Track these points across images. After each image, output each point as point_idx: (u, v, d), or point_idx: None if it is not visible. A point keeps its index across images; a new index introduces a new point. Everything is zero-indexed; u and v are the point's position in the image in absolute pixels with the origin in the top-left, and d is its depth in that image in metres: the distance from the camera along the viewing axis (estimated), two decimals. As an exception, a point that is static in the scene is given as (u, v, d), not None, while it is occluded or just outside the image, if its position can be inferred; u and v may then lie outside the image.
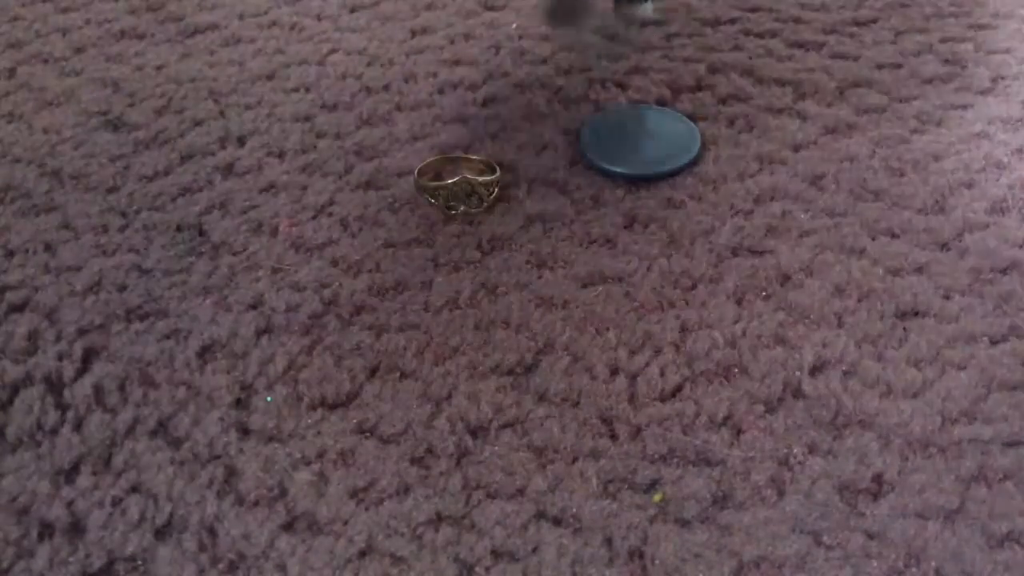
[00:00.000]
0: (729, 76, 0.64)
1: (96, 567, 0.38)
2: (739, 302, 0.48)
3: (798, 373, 0.44)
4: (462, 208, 0.53)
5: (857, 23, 0.70)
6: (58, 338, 0.47)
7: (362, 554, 0.38)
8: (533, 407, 0.43)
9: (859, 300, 0.47)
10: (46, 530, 0.39)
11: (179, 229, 0.53)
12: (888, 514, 0.38)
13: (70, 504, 0.40)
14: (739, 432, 0.42)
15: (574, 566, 0.37)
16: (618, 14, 0.63)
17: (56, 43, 0.71)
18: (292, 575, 0.37)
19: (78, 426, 0.43)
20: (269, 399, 0.44)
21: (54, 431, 0.43)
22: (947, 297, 0.47)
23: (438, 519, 0.39)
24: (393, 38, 0.71)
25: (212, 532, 0.39)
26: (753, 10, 0.73)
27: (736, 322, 0.46)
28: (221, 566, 0.38)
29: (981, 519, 0.38)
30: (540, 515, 0.39)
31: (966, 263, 0.49)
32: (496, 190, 0.54)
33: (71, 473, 0.41)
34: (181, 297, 0.49)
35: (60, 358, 0.46)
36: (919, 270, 0.49)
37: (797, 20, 0.71)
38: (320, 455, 0.41)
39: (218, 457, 0.41)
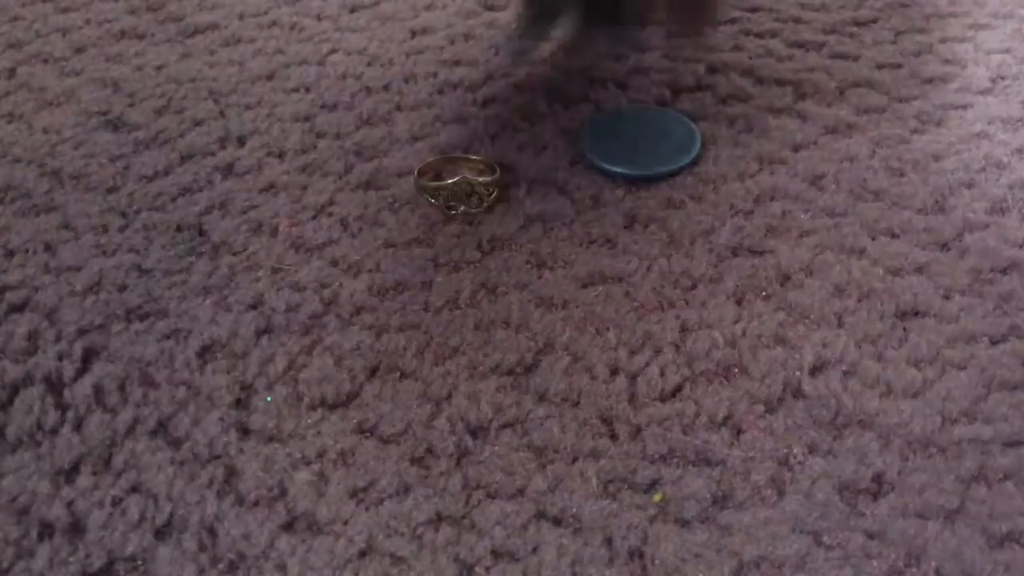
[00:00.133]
0: (729, 76, 0.64)
1: (96, 567, 0.38)
2: (739, 302, 0.48)
3: (798, 373, 0.44)
4: (462, 208, 0.53)
5: (857, 23, 0.70)
6: (58, 338, 0.47)
7: (362, 554, 0.38)
8: (533, 407, 0.43)
9: (859, 300, 0.47)
10: (46, 530, 0.39)
11: (179, 229, 0.53)
12: (888, 514, 0.38)
13: (70, 504, 0.40)
14: (739, 432, 0.42)
15: (574, 566, 0.37)
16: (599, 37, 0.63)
17: (56, 43, 0.71)
18: (292, 575, 0.37)
19: (78, 426, 0.43)
20: (269, 399, 0.44)
21: (54, 431, 0.43)
22: (947, 297, 0.47)
23: (438, 519, 0.39)
24: (393, 38, 0.71)
25: (212, 532, 0.39)
26: (753, 10, 0.73)
27: (736, 322, 0.46)
28: (221, 566, 0.38)
29: (981, 519, 0.38)
30: (540, 515, 0.39)
31: (966, 263, 0.49)
32: (496, 190, 0.54)
33: (71, 473, 0.41)
34: (181, 297, 0.49)
35: (60, 358, 0.46)
36: (919, 270, 0.49)
37: (797, 20, 0.71)
38: (320, 455, 0.41)
39: (218, 457, 0.41)
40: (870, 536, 0.37)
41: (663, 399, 0.43)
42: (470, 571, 0.37)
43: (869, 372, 0.44)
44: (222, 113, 0.63)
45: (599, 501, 0.39)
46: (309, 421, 0.43)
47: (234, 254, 0.52)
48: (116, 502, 0.40)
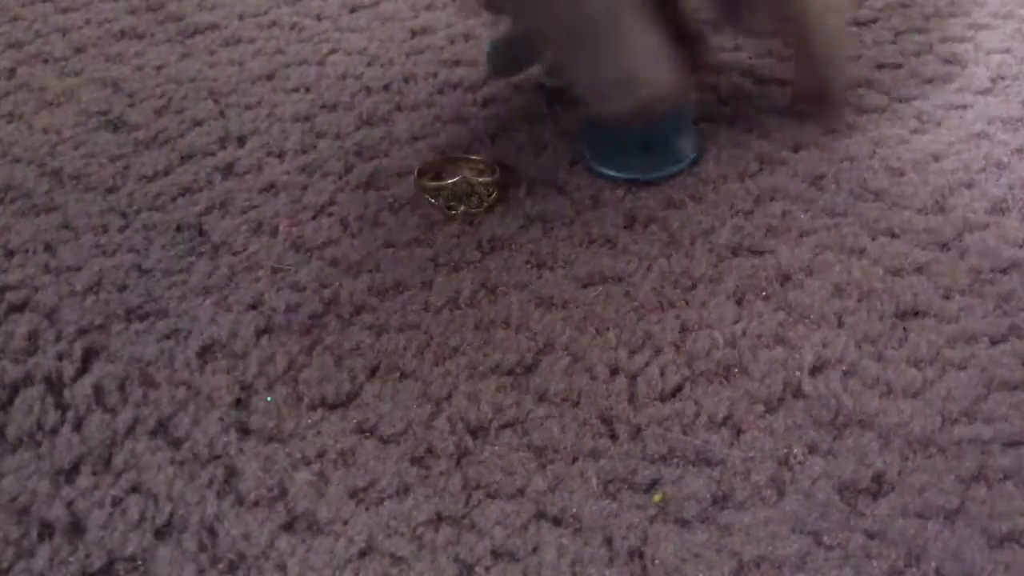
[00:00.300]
0: (729, 76, 0.64)
1: (96, 567, 0.38)
2: (739, 302, 0.48)
3: (798, 373, 0.44)
4: (462, 208, 0.53)
5: (857, 23, 0.70)
6: (58, 338, 0.47)
7: (362, 554, 0.38)
8: (533, 407, 0.43)
9: (859, 300, 0.47)
10: (46, 530, 0.39)
11: (179, 229, 0.54)
12: (888, 514, 0.38)
13: (70, 504, 0.40)
14: (739, 432, 0.42)
15: (574, 566, 0.37)
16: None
17: (56, 43, 0.71)
18: (292, 575, 0.37)
19: (78, 426, 0.43)
20: (269, 399, 0.44)
21: (54, 431, 0.43)
22: (947, 297, 0.47)
23: (438, 519, 0.39)
24: (393, 38, 0.71)
25: (212, 532, 0.39)
26: (753, 10, 0.73)
27: (736, 322, 0.46)
28: (221, 566, 0.38)
29: (981, 519, 0.38)
30: (540, 515, 0.39)
31: (966, 263, 0.49)
32: (496, 190, 0.54)
33: (71, 473, 0.41)
34: (181, 297, 0.49)
35: (60, 358, 0.46)
36: (919, 270, 0.49)
37: (797, 20, 0.71)
38: (320, 455, 0.41)
39: (218, 457, 0.41)
40: (870, 536, 0.37)
41: (663, 399, 0.43)
42: (470, 571, 0.37)
43: (869, 372, 0.44)
44: (222, 113, 0.63)
45: (599, 501, 0.39)
46: (309, 421, 0.43)
47: (234, 254, 0.52)
48: (116, 502, 0.40)
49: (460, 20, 0.73)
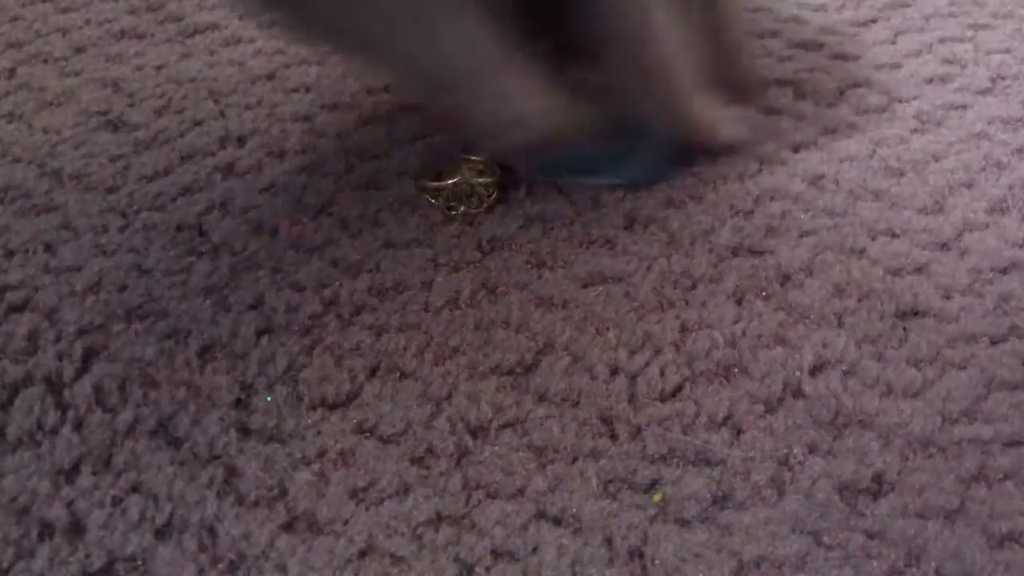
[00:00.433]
0: (729, 76, 0.64)
1: (96, 567, 0.38)
2: (739, 302, 0.48)
3: (798, 373, 0.44)
4: (462, 208, 0.53)
5: (857, 23, 0.70)
6: (58, 338, 0.47)
7: (362, 554, 0.38)
8: (533, 407, 0.43)
9: (859, 300, 0.47)
10: (46, 530, 0.39)
11: (179, 229, 0.53)
12: (888, 514, 0.38)
13: (70, 504, 0.40)
14: (739, 432, 0.42)
15: (574, 566, 0.37)
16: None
17: (56, 43, 0.71)
18: (292, 575, 0.37)
19: (78, 426, 0.43)
20: (269, 399, 0.44)
21: (54, 431, 0.43)
22: (947, 297, 0.47)
23: (438, 519, 0.39)
24: (393, 38, 0.71)
25: (212, 532, 0.39)
26: (753, 10, 0.73)
27: (736, 322, 0.46)
28: (221, 566, 0.38)
29: (981, 519, 0.38)
30: (540, 515, 0.39)
31: (966, 263, 0.49)
32: (496, 190, 0.54)
33: (71, 473, 0.41)
34: (181, 297, 0.49)
35: (60, 358, 0.46)
36: (919, 270, 0.49)
37: (796, 20, 0.71)
38: (320, 455, 0.41)
39: (218, 457, 0.41)
40: (870, 536, 0.37)
41: (663, 399, 0.43)
42: (470, 571, 0.37)
43: (869, 372, 0.44)
44: (222, 113, 0.63)
45: (599, 501, 0.39)
46: (309, 421, 0.43)
47: (234, 254, 0.52)
48: (116, 502, 0.40)
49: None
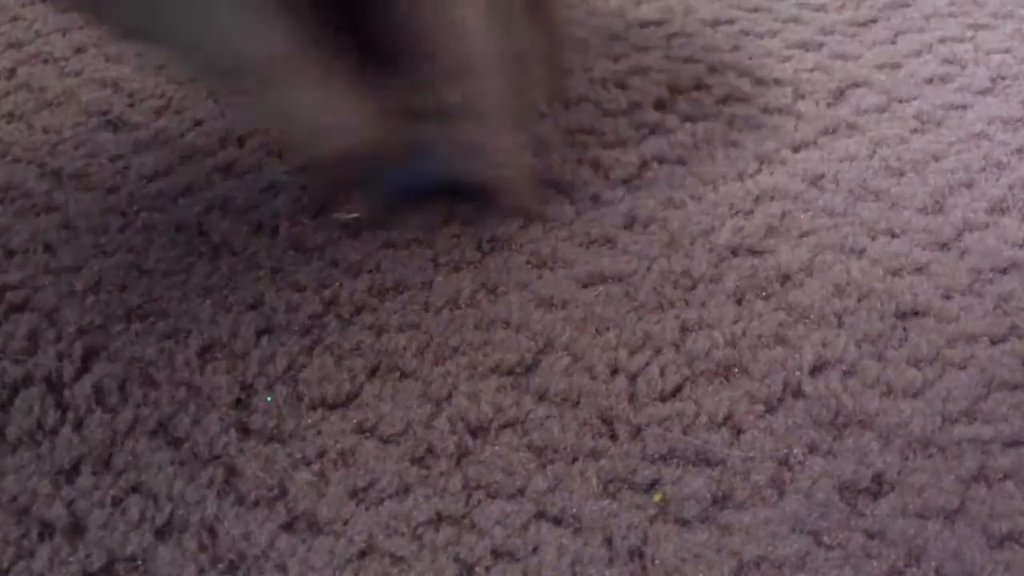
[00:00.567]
0: (728, 76, 0.64)
1: (96, 567, 0.38)
2: (739, 302, 0.48)
3: (798, 373, 0.44)
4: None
5: (857, 23, 0.70)
6: (58, 338, 0.47)
7: (362, 554, 0.38)
8: (533, 407, 0.43)
9: (859, 300, 0.47)
10: (46, 530, 0.39)
11: (179, 229, 0.53)
12: (888, 514, 0.38)
13: (70, 504, 0.40)
14: (739, 432, 0.42)
15: (574, 566, 0.37)
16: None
17: (56, 43, 0.71)
18: (292, 575, 0.37)
19: (78, 426, 0.43)
20: (269, 399, 0.44)
21: (54, 431, 0.43)
22: (947, 297, 0.47)
23: (438, 519, 0.39)
24: (393, 38, 0.71)
25: (212, 532, 0.39)
26: (753, 10, 0.73)
27: (736, 322, 0.46)
28: (221, 566, 0.38)
29: (981, 519, 0.38)
30: (540, 515, 0.39)
31: (966, 263, 0.49)
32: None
33: (71, 473, 0.41)
34: (181, 297, 0.49)
35: (60, 358, 0.46)
36: (919, 270, 0.49)
37: (796, 20, 0.71)
38: (320, 455, 0.41)
39: (218, 457, 0.41)
40: (870, 536, 0.37)
41: (663, 399, 0.43)
42: (470, 571, 0.37)
43: (869, 372, 0.44)
44: (222, 113, 0.63)
45: (599, 501, 0.39)
46: (309, 421, 0.43)
47: (234, 254, 0.52)
48: (116, 502, 0.40)
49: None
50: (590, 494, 0.39)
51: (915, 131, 0.58)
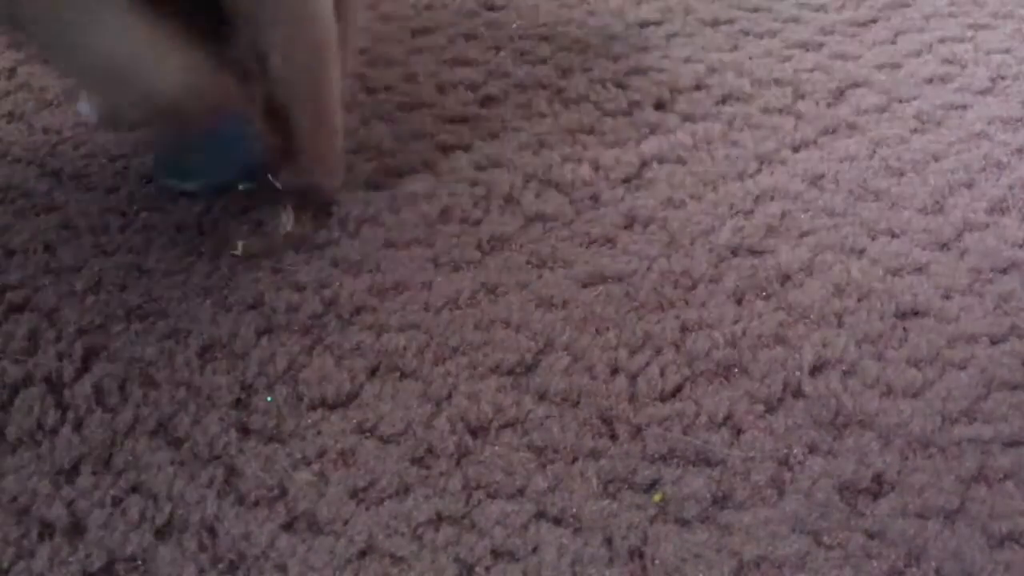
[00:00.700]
0: (728, 76, 0.64)
1: (96, 567, 0.38)
2: (739, 302, 0.48)
3: (798, 373, 0.44)
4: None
5: (857, 23, 0.70)
6: (58, 338, 0.47)
7: (362, 554, 0.38)
8: (533, 407, 0.43)
9: (859, 300, 0.47)
10: (46, 530, 0.39)
11: (179, 229, 0.53)
12: (888, 514, 0.38)
13: (70, 504, 0.40)
14: (739, 432, 0.42)
15: (574, 566, 0.37)
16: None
17: (56, 43, 0.71)
18: (292, 575, 0.37)
19: (78, 426, 0.43)
20: (269, 399, 0.44)
21: (54, 431, 0.43)
22: (947, 297, 0.47)
23: (438, 519, 0.39)
24: (393, 38, 0.71)
25: (212, 532, 0.39)
26: (753, 10, 0.73)
27: (736, 322, 0.46)
28: (221, 566, 0.38)
29: (981, 519, 0.38)
30: (540, 515, 0.39)
31: (966, 263, 0.49)
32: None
33: (71, 473, 0.41)
34: (181, 297, 0.49)
35: (60, 358, 0.46)
36: (919, 270, 0.49)
37: (796, 20, 0.71)
38: (320, 455, 0.41)
39: (218, 457, 0.41)
40: (870, 536, 0.37)
41: (663, 399, 0.43)
42: (470, 571, 0.37)
43: (869, 372, 0.44)
44: (222, 113, 0.63)
45: (599, 501, 0.39)
46: (309, 421, 0.43)
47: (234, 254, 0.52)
48: (116, 502, 0.40)
49: (460, 20, 0.73)
50: (590, 494, 0.39)
51: (915, 131, 0.58)
